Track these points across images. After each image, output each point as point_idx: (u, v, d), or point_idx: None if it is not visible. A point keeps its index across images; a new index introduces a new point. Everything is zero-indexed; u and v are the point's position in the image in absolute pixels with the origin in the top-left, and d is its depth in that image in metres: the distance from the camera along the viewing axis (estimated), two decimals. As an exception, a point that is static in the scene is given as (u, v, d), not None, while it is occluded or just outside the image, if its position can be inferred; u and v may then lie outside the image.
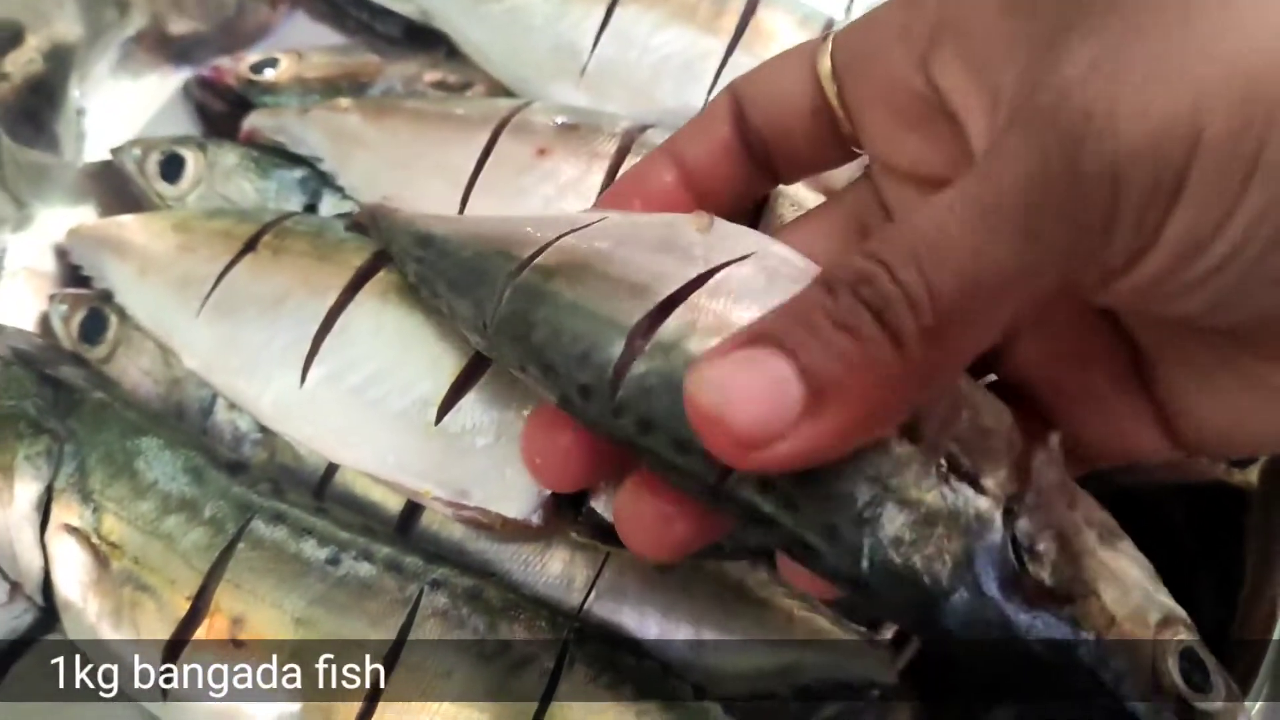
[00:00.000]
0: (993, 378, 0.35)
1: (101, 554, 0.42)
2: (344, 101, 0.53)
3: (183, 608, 0.41)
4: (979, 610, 0.29)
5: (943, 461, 0.30)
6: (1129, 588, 0.31)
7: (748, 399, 0.26)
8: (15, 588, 0.45)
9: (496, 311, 0.35)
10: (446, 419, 0.43)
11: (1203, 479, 0.47)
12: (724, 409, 0.26)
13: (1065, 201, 0.25)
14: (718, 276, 0.32)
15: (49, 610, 0.44)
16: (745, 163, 0.37)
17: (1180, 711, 0.30)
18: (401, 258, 0.41)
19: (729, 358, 0.27)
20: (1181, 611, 0.31)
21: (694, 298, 0.32)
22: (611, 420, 0.31)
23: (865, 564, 0.29)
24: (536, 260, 0.35)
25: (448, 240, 0.39)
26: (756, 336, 0.27)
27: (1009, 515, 0.29)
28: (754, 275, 0.32)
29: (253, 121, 0.54)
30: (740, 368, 0.26)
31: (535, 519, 0.42)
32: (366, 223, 0.44)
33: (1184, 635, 0.31)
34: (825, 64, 0.35)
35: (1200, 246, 0.25)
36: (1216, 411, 0.31)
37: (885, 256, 0.26)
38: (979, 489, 0.29)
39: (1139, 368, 0.32)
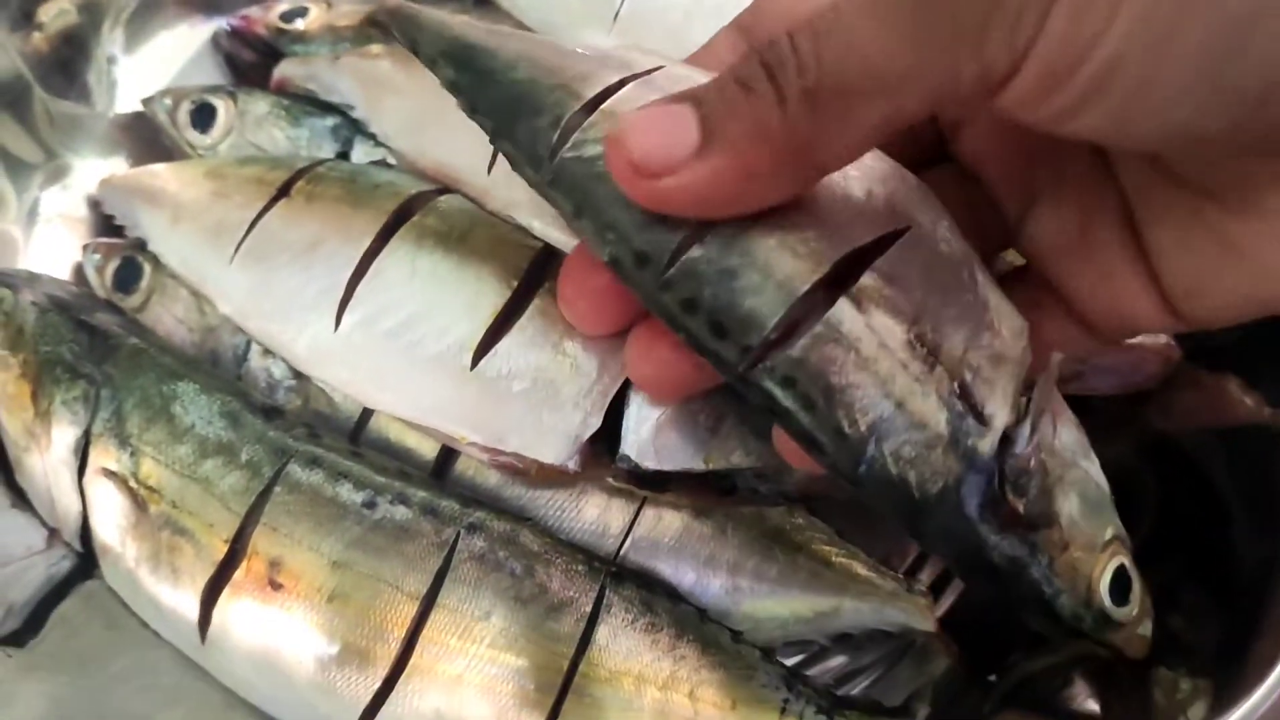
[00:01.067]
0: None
1: (140, 498, 0.42)
2: (375, 48, 0.53)
3: (221, 550, 0.41)
4: (955, 526, 0.32)
5: (956, 387, 0.32)
6: (1087, 517, 0.36)
7: (649, 130, 0.30)
8: (53, 533, 0.45)
9: (557, 153, 0.33)
10: (482, 363, 0.43)
11: (1242, 422, 0.47)
12: (628, 135, 0.30)
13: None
14: None
15: (87, 555, 0.44)
16: None
17: (1100, 618, 0.36)
18: (431, 62, 0.38)
19: (652, 106, 0.30)
20: (1123, 532, 0.38)
21: None
22: (657, 293, 0.32)
23: (863, 468, 0.31)
24: (604, 105, 0.34)
25: (493, 55, 0.36)
26: (679, 96, 0.30)
27: (1004, 446, 0.32)
28: None
29: (283, 70, 0.54)
30: (654, 110, 0.30)
31: (572, 464, 0.42)
32: (385, 21, 0.41)
33: (1120, 558, 0.37)
34: None
35: (1082, 50, 0.25)
36: (1191, 269, 0.32)
37: (791, 27, 0.28)
38: (982, 420, 0.32)
39: (1132, 228, 0.33)
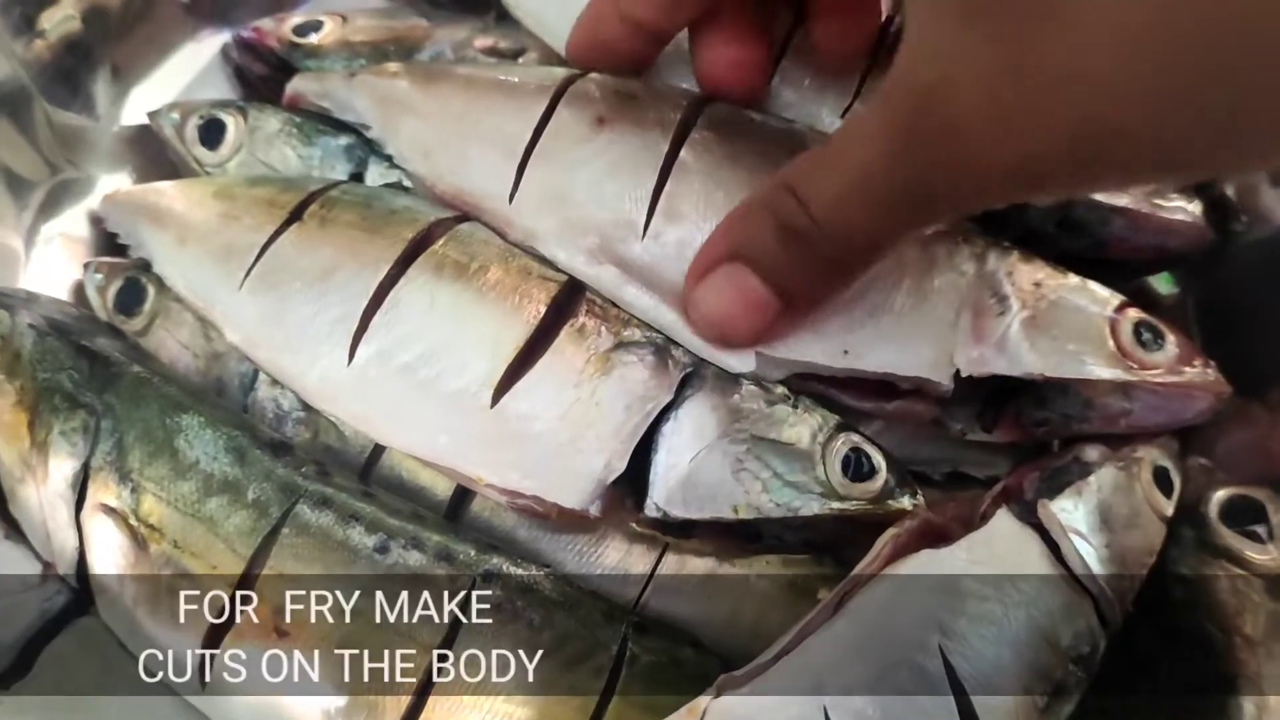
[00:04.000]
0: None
1: (140, 536, 0.40)
2: (392, 66, 0.51)
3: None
4: None
5: None
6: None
7: (736, 316, 0.40)
8: (48, 568, 0.43)
9: None
10: (503, 401, 0.41)
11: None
12: (724, 330, 0.41)
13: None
14: None
15: (83, 591, 0.42)
16: None
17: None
18: None
19: (711, 280, 0.40)
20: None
21: None
22: None
23: None
24: None
25: None
26: (725, 255, 0.39)
27: None
28: None
29: (296, 86, 0.52)
30: (725, 292, 0.39)
31: (594, 509, 0.40)
32: None
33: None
34: None
35: None
36: None
37: (802, 193, 0.36)
38: None
39: None
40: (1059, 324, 0.44)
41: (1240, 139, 0.28)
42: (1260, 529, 0.42)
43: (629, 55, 0.46)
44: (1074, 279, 0.45)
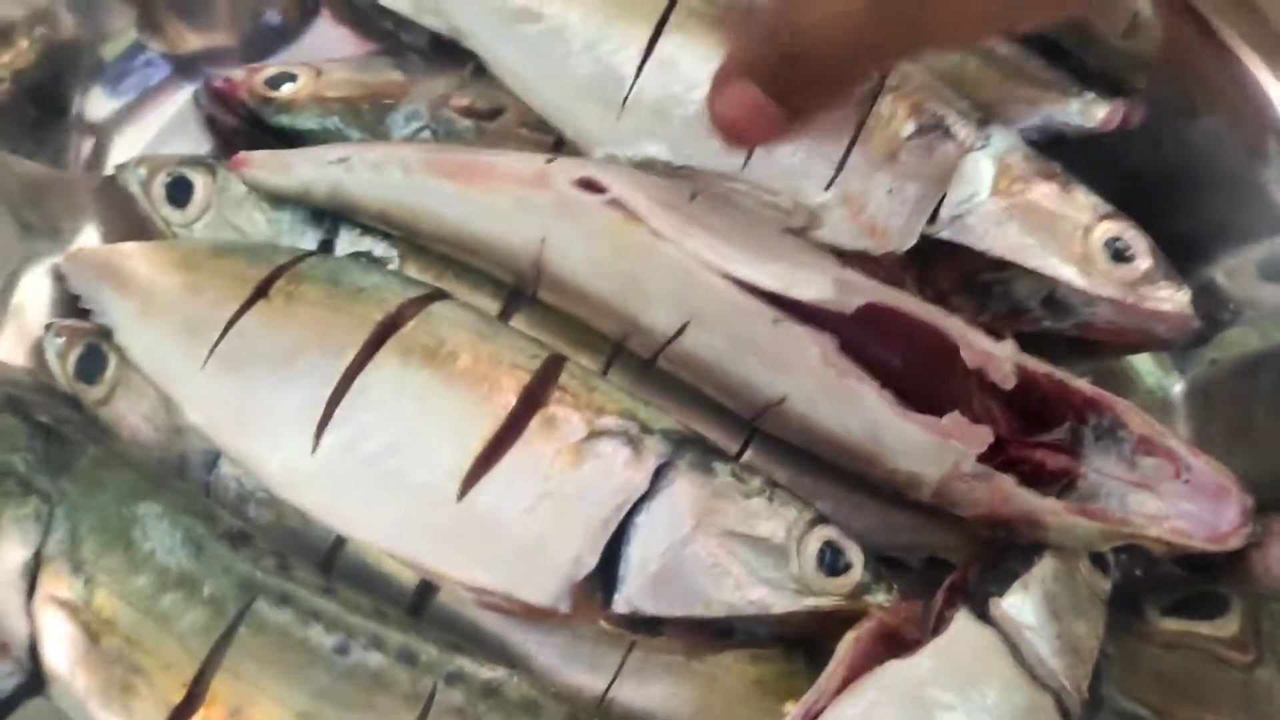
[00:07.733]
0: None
1: (92, 629, 0.39)
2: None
3: (178, 695, 0.38)
4: None
5: None
6: None
7: (746, 122, 0.37)
8: (3, 649, 0.42)
9: None
10: (470, 494, 0.40)
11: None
12: (740, 134, 0.38)
13: None
14: None
15: (37, 672, 0.41)
16: None
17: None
18: None
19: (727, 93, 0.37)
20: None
21: None
22: None
23: None
24: None
25: None
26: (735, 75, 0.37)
27: None
28: None
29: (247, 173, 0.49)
30: (737, 97, 0.37)
31: (563, 606, 0.39)
32: None
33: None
34: None
35: None
36: None
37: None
38: None
39: None
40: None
41: None
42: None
43: None
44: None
